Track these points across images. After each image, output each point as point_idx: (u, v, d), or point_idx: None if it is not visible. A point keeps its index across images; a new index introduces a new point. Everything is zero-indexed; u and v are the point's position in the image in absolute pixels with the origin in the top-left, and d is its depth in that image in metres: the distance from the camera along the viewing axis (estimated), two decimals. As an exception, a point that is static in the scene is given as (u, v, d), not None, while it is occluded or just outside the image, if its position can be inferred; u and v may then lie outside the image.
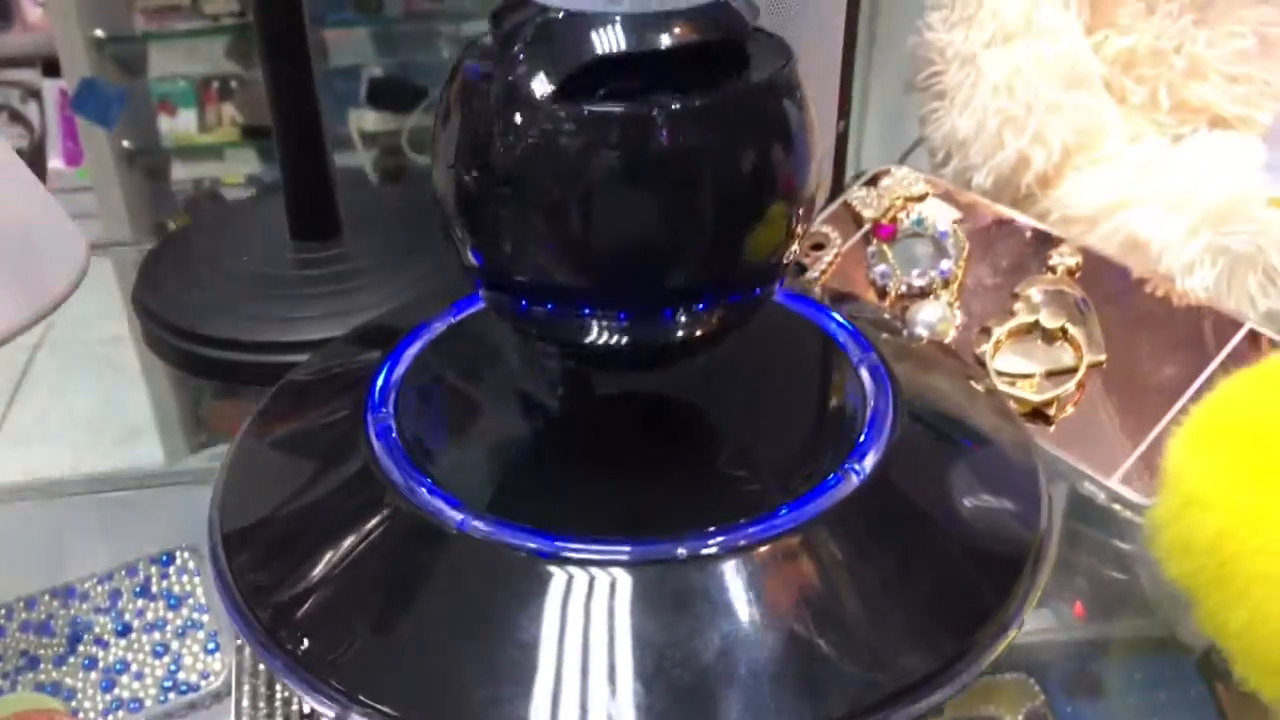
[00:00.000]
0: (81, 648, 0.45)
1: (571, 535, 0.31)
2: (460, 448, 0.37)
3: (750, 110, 0.31)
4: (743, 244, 0.31)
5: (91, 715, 0.42)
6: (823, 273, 0.51)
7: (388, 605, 0.32)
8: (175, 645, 0.45)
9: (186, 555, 0.47)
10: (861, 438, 0.35)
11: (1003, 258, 0.50)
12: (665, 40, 0.29)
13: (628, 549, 0.31)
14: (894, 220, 0.52)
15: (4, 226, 0.47)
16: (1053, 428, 0.44)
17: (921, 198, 0.52)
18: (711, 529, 0.31)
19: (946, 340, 0.47)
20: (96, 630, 0.45)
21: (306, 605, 0.33)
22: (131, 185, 1.55)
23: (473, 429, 0.38)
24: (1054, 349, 0.46)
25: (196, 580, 0.46)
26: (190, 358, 0.54)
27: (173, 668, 0.44)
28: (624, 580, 0.31)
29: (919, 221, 0.51)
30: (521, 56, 0.30)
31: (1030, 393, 0.45)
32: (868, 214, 0.52)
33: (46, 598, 0.47)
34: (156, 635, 0.45)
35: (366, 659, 0.31)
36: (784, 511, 0.32)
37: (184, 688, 0.43)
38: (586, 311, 0.32)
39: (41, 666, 0.44)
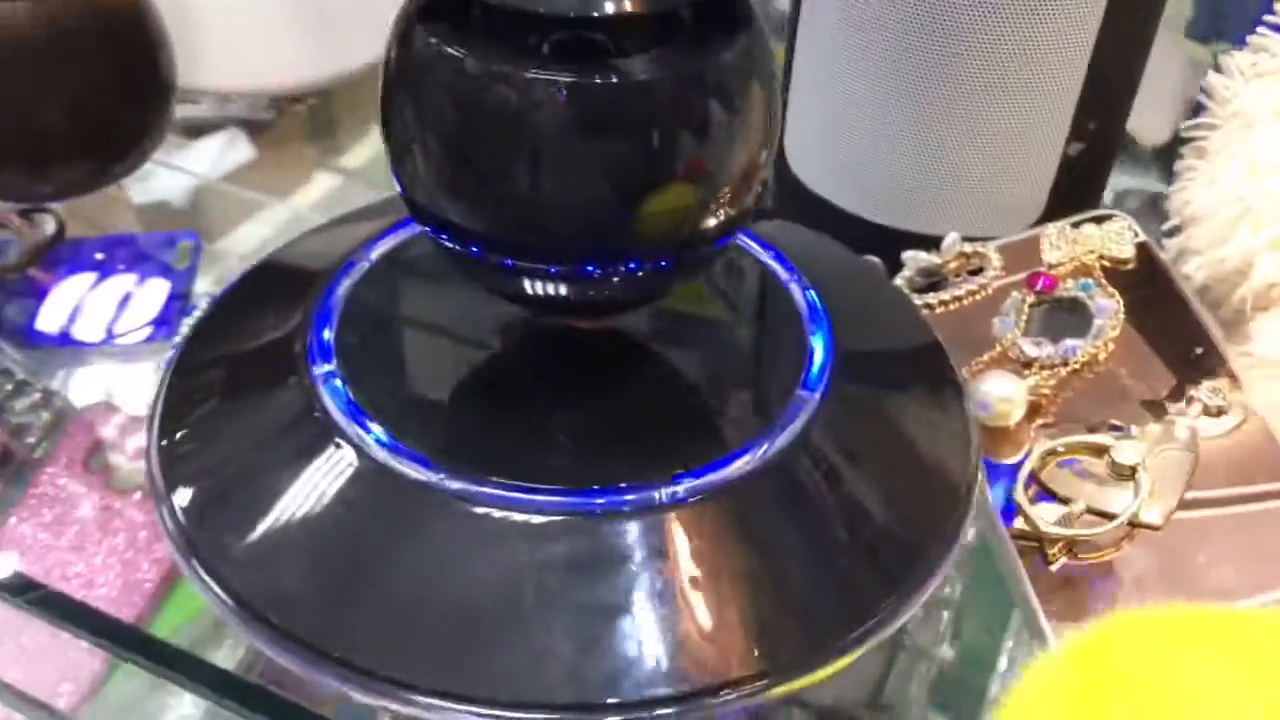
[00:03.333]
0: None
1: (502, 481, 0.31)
2: (396, 381, 0.36)
3: (683, 92, 0.28)
4: (657, 219, 0.30)
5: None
6: (957, 299, 0.45)
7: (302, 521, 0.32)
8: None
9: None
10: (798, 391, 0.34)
11: (1148, 366, 0.42)
12: (613, 6, 0.27)
13: (555, 498, 0.31)
14: (1069, 275, 0.45)
15: None
16: (1052, 567, 0.38)
17: (1122, 262, 0.45)
18: (633, 484, 0.31)
19: (1005, 423, 0.41)
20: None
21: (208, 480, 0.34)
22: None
23: (409, 360, 0.38)
24: (1111, 487, 0.39)
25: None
26: None
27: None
28: (546, 530, 0.30)
29: (1086, 286, 0.44)
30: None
31: (1049, 521, 0.38)
32: (1049, 256, 0.46)
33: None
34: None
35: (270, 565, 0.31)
36: (714, 468, 0.32)
37: None
38: (509, 264, 0.31)
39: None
